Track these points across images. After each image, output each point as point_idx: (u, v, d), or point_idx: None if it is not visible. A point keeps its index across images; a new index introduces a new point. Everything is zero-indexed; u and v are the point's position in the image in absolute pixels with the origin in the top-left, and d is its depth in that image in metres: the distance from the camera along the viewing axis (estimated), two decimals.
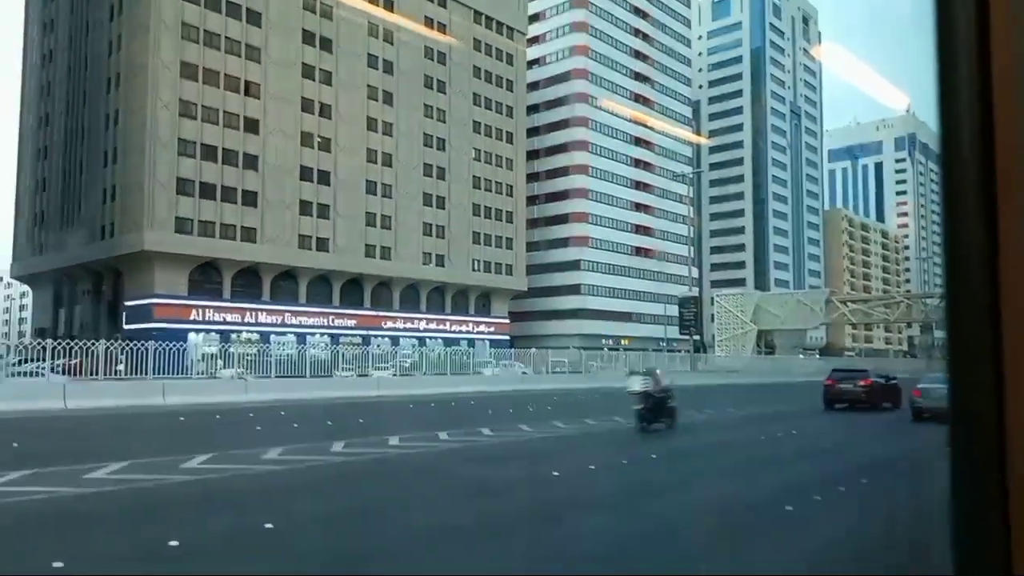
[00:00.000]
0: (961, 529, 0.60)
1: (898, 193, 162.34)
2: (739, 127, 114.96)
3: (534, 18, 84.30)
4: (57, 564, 5.70)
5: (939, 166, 0.65)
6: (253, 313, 55.12)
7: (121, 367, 28.56)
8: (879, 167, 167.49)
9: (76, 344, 25.05)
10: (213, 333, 51.41)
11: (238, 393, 23.97)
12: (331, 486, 10.08)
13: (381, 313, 62.92)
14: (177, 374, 27.92)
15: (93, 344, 26.28)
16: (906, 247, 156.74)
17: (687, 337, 57.47)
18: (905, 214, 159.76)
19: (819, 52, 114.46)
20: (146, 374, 25.59)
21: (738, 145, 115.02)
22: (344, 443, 13.51)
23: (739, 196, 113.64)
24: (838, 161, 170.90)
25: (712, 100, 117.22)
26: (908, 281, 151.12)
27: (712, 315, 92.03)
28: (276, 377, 29.38)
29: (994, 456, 0.59)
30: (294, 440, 13.98)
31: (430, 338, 63.86)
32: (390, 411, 23.02)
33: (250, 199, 54.55)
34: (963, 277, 0.62)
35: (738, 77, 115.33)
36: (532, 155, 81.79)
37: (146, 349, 27.06)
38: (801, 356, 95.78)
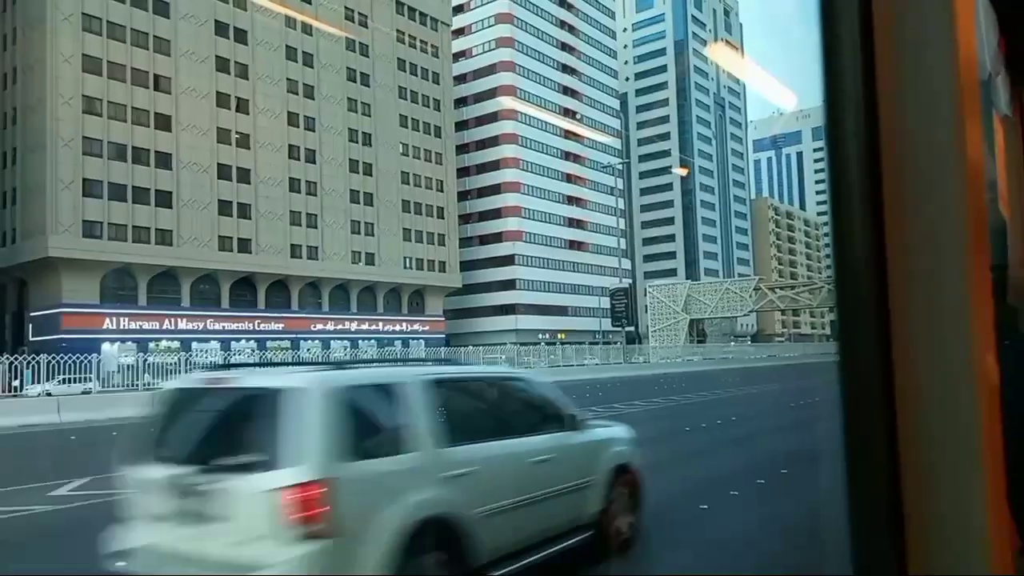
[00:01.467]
0: (857, 528, 0.61)
1: (818, 181, 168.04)
2: (665, 119, 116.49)
3: (458, 9, 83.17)
4: None
5: (828, 159, 0.65)
6: (172, 320, 52.50)
7: (17, 383, 26.53)
8: (800, 156, 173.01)
9: None
10: (129, 342, 48.74)
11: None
12: None
13: (310, 315, 60.93)
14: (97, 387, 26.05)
15: None
16: (826, 233, 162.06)
17: (620, 328, 57.56)
18: (824, 201, 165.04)
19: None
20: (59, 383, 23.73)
21: (665, 137, 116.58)
22: None
23: (668, 187, 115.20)
24: (763, 151, 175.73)
25: (639, 92, 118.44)
26: (828, 267, 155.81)
27: (646, 306, 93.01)
28: None
29: (886, 455, 0.60)
30: None
31: (363, 339, 62.27)
32: None
33: (164, 199, 51.82)
34: (850, 266, 0.62)
35: (663, 69, 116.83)
36: (462, 149, 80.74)
37: (57, 362, 25.19)
38: (732, 343, 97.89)
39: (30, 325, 48.63)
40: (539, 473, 5.07)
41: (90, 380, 28.55)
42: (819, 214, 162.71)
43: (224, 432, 4.51)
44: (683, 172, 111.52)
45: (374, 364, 6.19)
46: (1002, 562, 0.58)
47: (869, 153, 0.59)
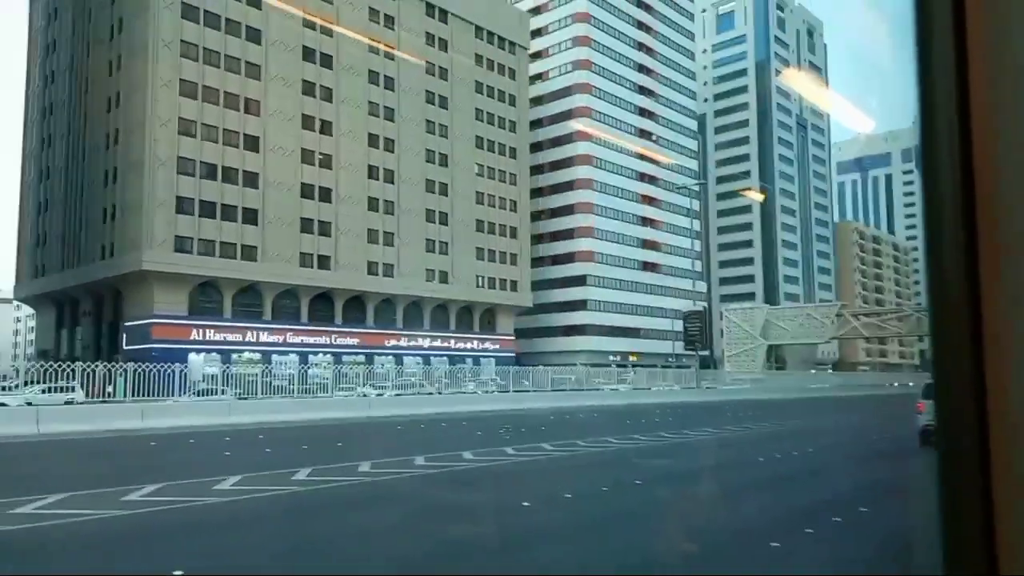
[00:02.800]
0: (948, 531, 0.61)
1: (907, 204, 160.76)
2: (745, 140, 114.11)
3: (536, 33, 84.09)
4: None
5: (920, 182, 0.65)
6: (254, 332, 54.51)
7: (111, 388, 27.97)
8: (888, 178, 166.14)
9: (72, 366, 24.46)
10: (214, 353, 50.87)
11: (222, 415, 23.21)
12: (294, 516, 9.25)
13: (384, 331, 62.19)
14: (178, 395, 27.26)
15: (92, 366, 25.74)
16: (915, 259, 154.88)
17: (693, 352, 56.34)
18: (914, 226, 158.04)
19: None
20: (145, 395, 24.96)
21: (744, 158, 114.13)
22: (309, 471, 12.68)
23: (747, 209, 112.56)
24: (847, 173, 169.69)
25: (718, 113, 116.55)
26: (919, 294, 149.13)
27: (721, 330, 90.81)
28: (270, 397, 28.56)
29: (977, 459, 0.60)
30: (259, 468, 13.16)
31: (434, 356, 63.09)
32: (376, 433, 22.17)
33: (250, 217, 54.12)
34: (943, 289, 0.62)
35: (743, 90, 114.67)
36: (536, 170, 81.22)
37: (144, 371, 26.46)
38: (813, 372, 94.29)
39: (124, 335, 51.38)
40: None
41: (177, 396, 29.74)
42: (909, 239, 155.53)
43: None
44: (759, 197, 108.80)
45: None
46: None
47: (963, 179, 0.59)
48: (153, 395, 26.36)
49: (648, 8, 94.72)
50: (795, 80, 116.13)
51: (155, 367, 27.71)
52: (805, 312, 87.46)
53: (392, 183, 62.95)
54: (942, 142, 0.59)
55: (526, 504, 10.24)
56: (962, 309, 0.60)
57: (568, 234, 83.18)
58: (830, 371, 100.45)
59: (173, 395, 27.90)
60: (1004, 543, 0.59)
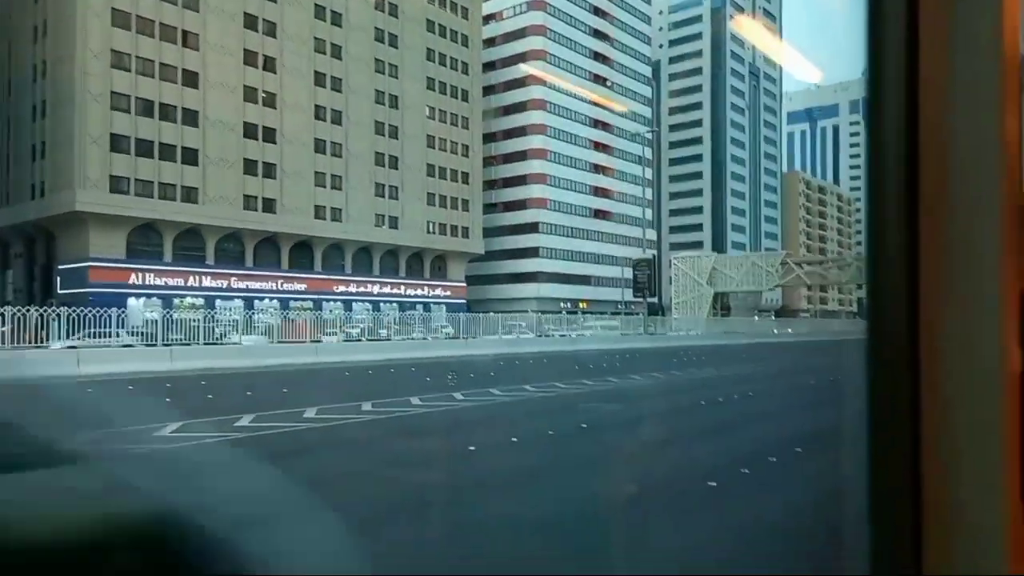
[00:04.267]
0: (875, 528, 0.61)
1: (852, 156, 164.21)
2: (698, 88, 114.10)
3: None
4: None
5: (865, 134, 0.65)
6: (196, 277, 53.09)
7: (44, 334, 26.90)
8: (836, 129, 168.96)
9: (2, 310, 23.29)
10: (154, 298, 49.46)
11: (162, 361, 22.59)
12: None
13: (333, 277, 61.26)
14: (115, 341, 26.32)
15: (23, 310, 24.57)
16: (858, 209, 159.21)
17: (641, 299, 57.14)
18: (858, 177, 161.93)
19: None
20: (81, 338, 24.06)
21: (697, 106, 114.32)
22: (253, 417, 12.41)
23: (697, 158, 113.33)
24: (797, 123, 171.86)
25: (672, 60, 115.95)
26: (859, 244, 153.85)
27: (670, 277, 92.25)
28: (206, 344, 27.89)
29: (908, 455, 0.60)
30: (201, 414, 12.83)
31: (384, 302, 62.60)
32: (324, 380, 21.91)
33: (190, 157, 52.06)
34: (883, 259, 0.62)
35: (698, 36, 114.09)
36: (489, 114, 79.91)
37: (80, 315, 25.40)
38: (756, 318, 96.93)
39: (58, 278, 49.46)
40: None
41: (118, 335, 28.84)
42: (852, 189, 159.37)
43: None
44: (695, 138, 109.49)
45: None
46: (1019, 564, 0.58)
47: (908, 134, 0.59)
48: (91, 340, 25.39)
49: None
50: (748, 28, 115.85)
51: (92, 311, 26.70)
52: (751, 260, 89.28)
53: (339, 124, 61.14)
54: (889, 95, 0.59)
55: (472, 448, 10.21)
56: (900, 270, 0.60)
57: (521, 180, 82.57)
58: (772, 317, 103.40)
59: (110, 338, 27.01)
60: (930, 541, 0.59)
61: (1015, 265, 0.58)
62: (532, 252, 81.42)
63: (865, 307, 0.64)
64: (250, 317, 41.26)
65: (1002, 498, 0.57)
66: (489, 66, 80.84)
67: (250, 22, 55.14)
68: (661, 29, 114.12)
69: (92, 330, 26.19)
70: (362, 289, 63.02)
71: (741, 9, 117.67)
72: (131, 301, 46.87)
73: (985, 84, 0.57)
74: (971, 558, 0.58)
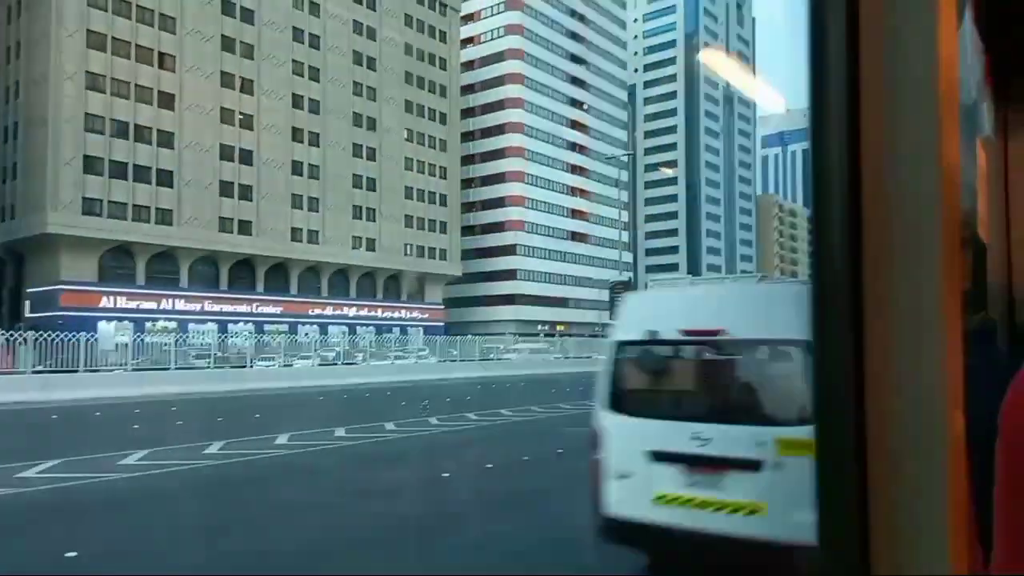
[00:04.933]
0: (823, 528, 0.62)
1: None
2: (673, 112, 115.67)
3: None
4: None
5: (811, 157, 0.67)
6: (170, 300, 52.31)
7: (11, 358, 26.33)
8: (806, 153, 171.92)
9: None
10: (126, 321, 48.63)
11: (133, 387, 22.14)
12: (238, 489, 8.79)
13: (308, 300, 60.72)
14: (87, 366, 25.82)
15: None
16: None
17: None
18: None
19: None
20: (55, 365, 23.49)
21: (672, 130, 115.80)
22: (222, 444, 12.16)
23: (673, 181, 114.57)
24: (770, 147, 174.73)
25: (647, 84, 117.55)
26: None
27: None
28: (182, 368, 27.46)
29: (853, 455, 0.61)
30: (169, 441, 12.56)
31: (360, 325, 62.12)
32: (297, 404, 21.60)
33: (165, 179, 51.55)
34: (829, 277, 0.63)
35: (672, 61, 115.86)
36: (467, 136, 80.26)
37: (48, 340, 24.88)
38: None
39: (27, 301, 48.50)
40: None
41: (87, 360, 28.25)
42: None
43: None
44: (670, 172, 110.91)
45: None
46: (960, 565, 0.60)
47: (851, 157, 0.61)
48: (61, 365, 24.87)
49: None
50: (714, 61, 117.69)
51: (61, 336, 26.22)
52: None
53: (317, 146, 61.02)
54: (832, 123, 0.61)
55: (446, 475, 10.08)
56: (844, 288, 0.62)
57: (499, 203, 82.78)
58: None
59: (82, 365, 26.47)
60: (877, 543, 0.60)
61: (956, 271, 0.60)
62: (510, 274, 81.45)
63: (809, 316, 0.65)
64: (224, 341, 40.83)
65: (944, 499, 0.58)
66: (468, 89, 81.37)
67: (227, 44, 55.04)
68: (636, 54, 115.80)
69: (61, 356, 25.69)
70: (338, 312, 62.52)
71: (715, 35, 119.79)
72: (102, 325, 46.04)
73: (925, 108, 0.59)
74: (916, 559, 0.59)
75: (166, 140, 51.57)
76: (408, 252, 68.87)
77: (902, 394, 0.60)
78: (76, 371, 23.91)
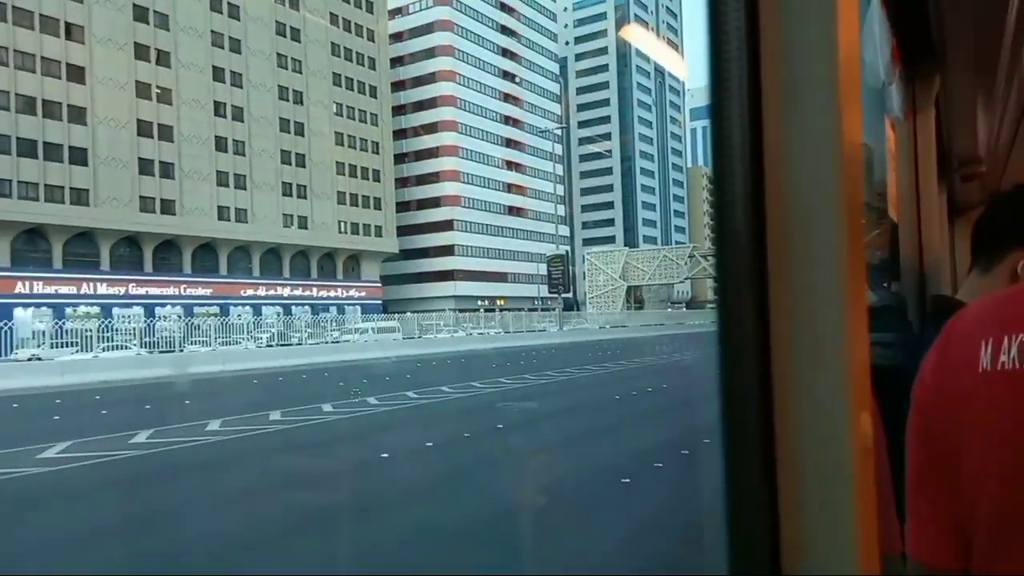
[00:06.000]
0: (733, 528, 0.62)
1: None
2: (605, 85, 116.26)
3: None
4: None
5: (711, 140, 0.68)
6: (91, 284, 50.02)
7: None
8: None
9: None
10: (44, 308, 46.36)
11: (52, 376, 21.16)
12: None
13: (239, 280, 59.01)
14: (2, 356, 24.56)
15: None
16: None
17: (556, 295, 57.85)
18: None
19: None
20: None
21: (605, 103, 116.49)
22: (150, 433, 11.75)
23: (607, 154, 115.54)
24: (699, 120, 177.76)
25: (578, 57, 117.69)
26: None
27: (584, 272, 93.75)
28: (104, 354, 26.41)
29: (761, 455, 0.61)
30: (92, 432, 12.05)
31: (295, 305, 60.91)
32: (228, 389, 21.05)
33: (79, 157, 48.94)
34: (733, 262, 0.64)
35: (603, 34, 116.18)
36: (399, 110, 78.87)
37: None
38: (669, 309, 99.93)
39: None
40: None
41: None
42: None
43: None
44: (606, 151, 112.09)
45: None
46: (869, 564, 0.60)
47: (752, 140, 0.62)
48: None
49: None
50: (641, 36, 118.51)
51: None
52: (662, 254, 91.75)
53: (242, 121, 58.90)
54: (733, 106, 0.63)
55: (385, 456, 10.00)
56: (748, 270, 0.62)
57: (434, 177, 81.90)
58: (684, 309, 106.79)
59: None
60: (787, 541, 0.60)
61: (855, 262, 0.60)
62: (448, 250, 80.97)
63: (716, 298, 0.66)
64: (150, 325, 39.42)
65: (851, 496, 0.59)
66: (397, 61, 79.79)
67: (140, 14, 52.30)
68: (567, 26, 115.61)
69: None
70: (272, 292, 61.07)
71: (644, 7, 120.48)
72: (18, 312, 43.83)
73: (820, 93, 0.60)
74: (825, 557, 0.59)
75: (78, 116, 48.89)
76: (342, 229, 67.58)
77: (806, 377, 0.60)
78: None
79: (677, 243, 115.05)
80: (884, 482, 0.88)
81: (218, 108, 57.10)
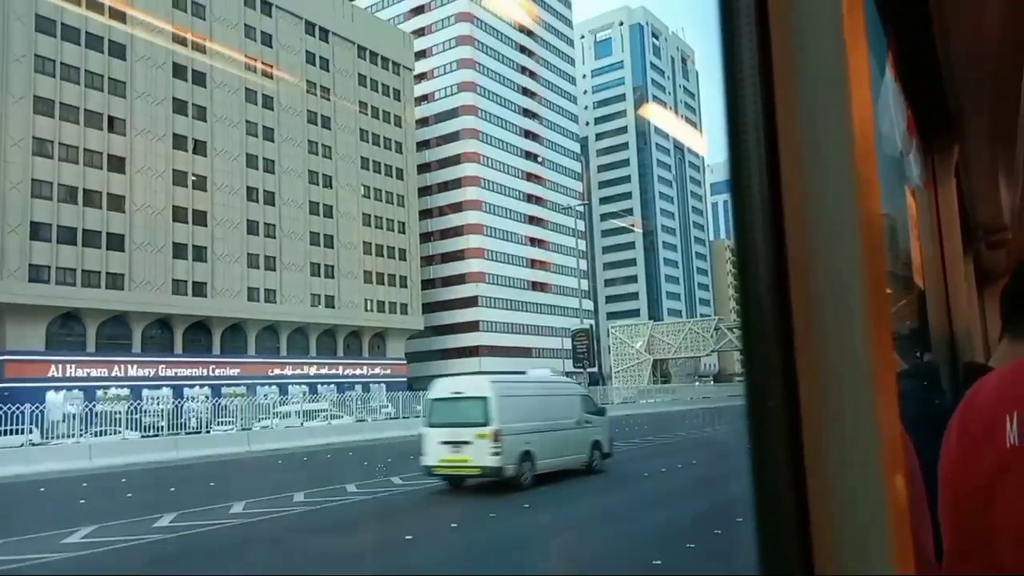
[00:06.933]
0: (764, 530, 0.62)
1: None
2: (626, 162, 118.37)
3: (420, 55, 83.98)
4: None
5: (732, 212, 0.69)
6: (121, 366, 50.74)
7: None
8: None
9: None
10: (75, 390, 46.92)
11: (82, 459, 21.22)
12: None
13: (267, 360, 59.49)
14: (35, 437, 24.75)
15: None
16: None
17: (581, 370, 57.28)
18: None
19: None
20: None
21: (626, 180, 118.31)
22: (174, 516, 11.65)
23: (629, 229, 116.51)
24: (720, 194, 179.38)
25: (599, 136, 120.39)
26: None
27: (608, 346, 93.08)
28: (137, 436, 26.49)
29: (790, 459, 0.61)
30: (117, 516, 11.98)
31: (322, 383, 60.99)
32: (254, 470, 20.92)
33: (116, 242, 50.53)
34: (755, 299, 0.64)
35: (622, 114, 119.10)
36: (424, 191, 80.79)
37: None
38: (697, 384, 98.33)
39: None
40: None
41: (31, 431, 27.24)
42: None
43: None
44: (632, 227, 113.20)
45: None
46: (904, 561, 0.60)
47: (773, 209, 0.63)
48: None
49: (529, 33, 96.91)
50: (661, 114, 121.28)
51: (4, 408, 25.22)
52: (687, 327, 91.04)
53: (273, 205, 60.67)
54: (752, 176, 0.64)
55: (408, 538, 9.79)
56: (772, 318, 0.62)
57: (459, 255, 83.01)
58: (711, 382, 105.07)
59: (23, 436, 25.35)
60: (818, 543, 0.60)
61: (883, 319, 0.61)
62: (473, 326, 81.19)
63: (743, 362, 0.66)
64: (179, 406, 39.61)
65: (882, 496, 0.59)
66: (423, 144, 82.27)
67: (179, 107, 54.88)
68: (587, 108, 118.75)
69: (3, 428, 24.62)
70: (298, 371, 61.36)
71: (662, 88, 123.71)
72: (50, 395, 44.36)
73: (837, 165, 0.61)
74: (857, 558, 0.60)
75: (116, 204, 50.75)
76: (368, 308, 68.28)
77: (834, 385, 0.61)
78: (20, 445, 22.87)
79: (702, 316, 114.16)
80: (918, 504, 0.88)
81: (251, 193, 58.99)
